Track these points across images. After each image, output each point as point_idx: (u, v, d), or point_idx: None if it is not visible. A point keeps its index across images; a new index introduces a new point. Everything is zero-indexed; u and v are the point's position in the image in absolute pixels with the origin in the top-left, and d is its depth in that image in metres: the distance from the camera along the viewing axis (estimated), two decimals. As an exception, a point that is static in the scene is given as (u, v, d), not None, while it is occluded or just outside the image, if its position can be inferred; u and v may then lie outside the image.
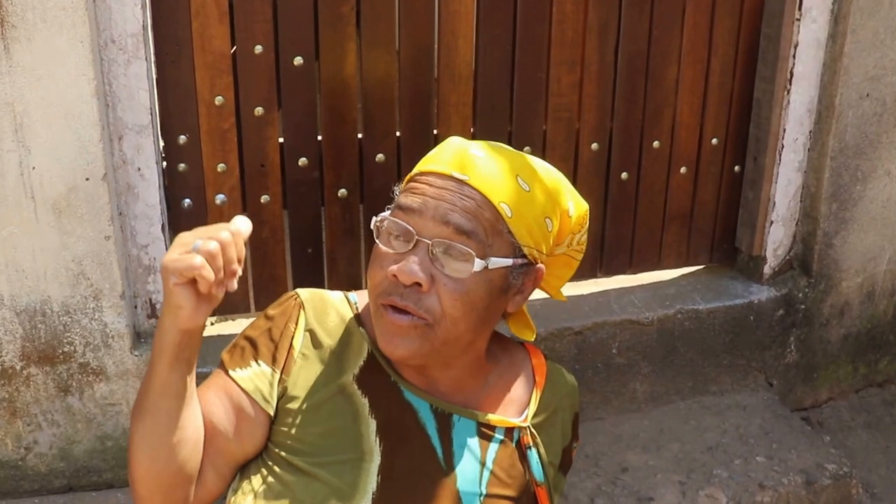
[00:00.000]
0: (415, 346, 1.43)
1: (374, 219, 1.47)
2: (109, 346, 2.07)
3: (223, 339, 2.29)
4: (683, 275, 2.78)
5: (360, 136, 2.25)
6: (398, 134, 2.28)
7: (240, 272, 1.25)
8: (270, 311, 1.57)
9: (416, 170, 1.52)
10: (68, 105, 1.85)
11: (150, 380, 1.34)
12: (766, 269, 2.68)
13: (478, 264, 1.40)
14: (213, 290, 1.22)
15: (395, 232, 1.44)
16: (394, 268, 1.40)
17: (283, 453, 1.48)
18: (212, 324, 2.51)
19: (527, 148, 2.34)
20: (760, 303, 2.64)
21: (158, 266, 2.13)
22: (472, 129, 2.31)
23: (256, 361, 1.50)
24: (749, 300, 2.63)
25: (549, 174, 1.53)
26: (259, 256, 2.26)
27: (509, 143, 2.31)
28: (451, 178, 1.44)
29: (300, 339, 1.53)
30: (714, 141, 2.58)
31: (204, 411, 1.46)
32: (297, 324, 1.54)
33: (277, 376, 1.50)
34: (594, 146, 2.45)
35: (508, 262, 1.44)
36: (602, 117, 2.44)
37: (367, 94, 2.22)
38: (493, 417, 1.57)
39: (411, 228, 1.41)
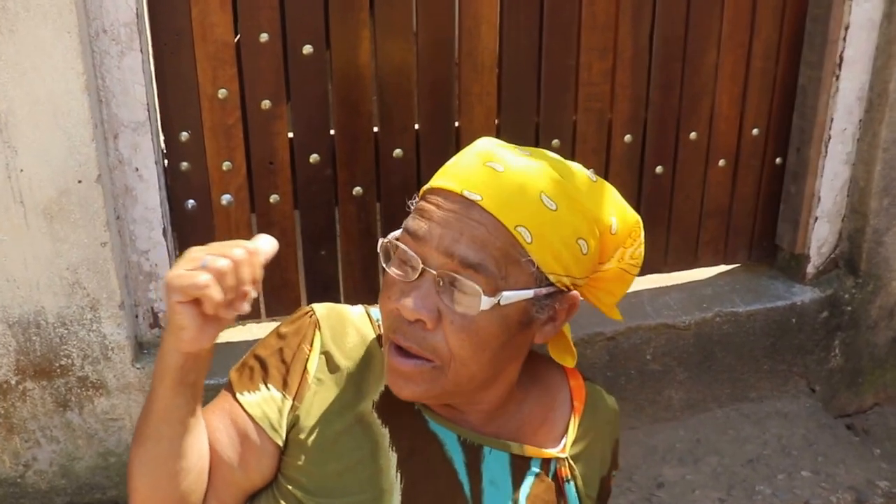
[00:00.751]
0: (421, 390, 1.29)
1: (380, 241, 1.32)
2: (109, 359, 1.94)
3: (229, 348, 2.16)
4: (720, 274, 2.63)
5: (375, 129, 2.12)
6: (417, 127, 2.14)
7: (253, 295, 1.12)
8: (283, 328, 1.42)
9: (430, 182, 1.36)
10: (56, 101, 1.71)
11: (151, 403, 1.22)
12: (810, 269, 2.52)
13: (485, 302, 1.23)
14: (221, 313, 1.08)
15: (397, 260, 1.30)
16: (397, 304, 1.26)
17: (294, 490, 1.33)
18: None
19: (555, 141, 2.20)
20: (803, 304, 2.49)
21: (160, 272, 1.99)
22: (496, 121, 2.17)
23: (266, 385, 1.36)
24: (791, 301, 2.48)
25: (588, 187, 1.34)
26: (270, 260, 2.11)
27: (536, 136, 2.20)
28: (462, 197, 1.27)
29: (315, 363, 1.38)
30: (755, 131, 2.42)
31: (208, 437, 1.33)
32: (311, 345, 1.39)
33: (289, 403, 1.35)
34: (627, 138, 2.30)
35: (528, 293, 1.27)
36: (636, 107, 2.29)
37: (383, 84, 2.08)
38: (528, 448, 1.42)
39: (416, 256, 1.26)
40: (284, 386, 1.35)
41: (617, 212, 1.36)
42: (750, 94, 2.37)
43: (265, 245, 1.15)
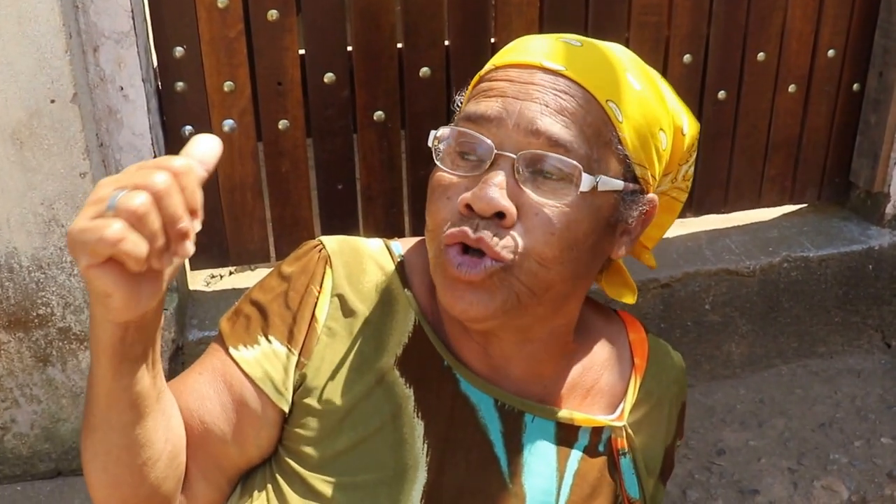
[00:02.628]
0: (494, 302, 1.03)
1: (432, 134, 1.06)
2: (94, 307, 1.69)
3: (235, 295, 1.91)
4: (786, 214, 2.36)
5: (399, 45, 1.84)
6: (447, 43, 1.86)
7: (195, 229, 0.82)
8: (286, 267, 1.16)
9: (488, 65, 1.11)
10: (21, 4, 1.45)
11: (91, 388, 0.95)
12: (889, 209, 2.25)
13: (586, 181, 1.00)
14: (154, 265, 0.79)
15: (463, 148, 1.04)
16: (466, 195, 1.00)
17: (298, 467, 1.09)
18: (222, 277, 2.13)
19: None
20: (881, 249, 2.22)
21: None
22: None
23: (266, 337, 1.10)
24: (868, 246, 2.21)
25: (659, 76, 1.15)
26: (279, 194, 1.87)
27: None
28: (541, 68, 1.04)
29: (325, 308, 1.12)
30: (830, 53, 2.13)
31: (192, 405, 1.08)
32: (321, 286, 1.13)
33: (295, 359, 1.10)
34: (686, 58, 2.02)
35: (620, 184, 1.05)
36: (697, 23, 2.00)
37: (408, -9, 1.80)
38: (577, 416, 1.16)
39: (488, 140, 1.01)
40: (290, 338, 1.10)
41: (685, 111, 1.17)
42: (826, 8, 2.08)
43: (202, 152, 0.84)
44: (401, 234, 1.93)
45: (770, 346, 2.21)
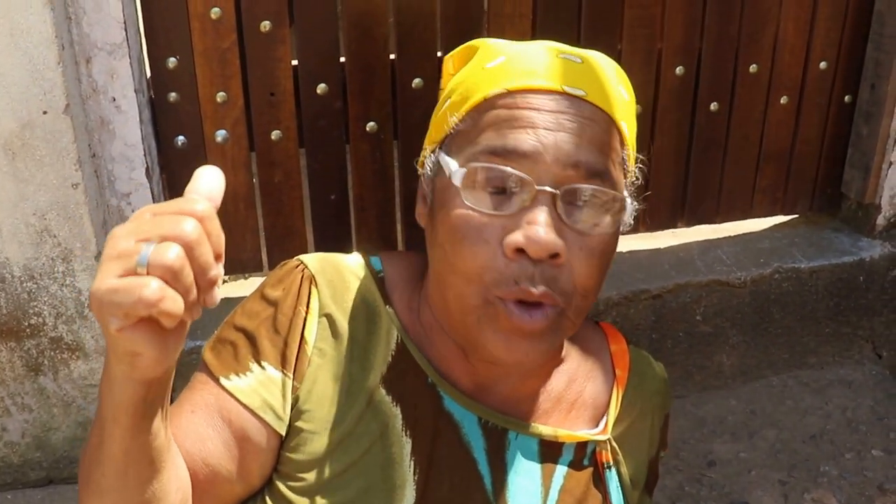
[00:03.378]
0: (546, 347, 1.03)
1: (458, 171, 1.02)
2: (86, 317, 1.70)
3: (228, 305, 1.90)
4: (777, 225, 2.36)
5: (392, 56, 1.83)
6: (440, 54, 1.85)
7: (221, 277, 0.76)
8: (269, 290, 1.14)
9: (498, 89, 1.05)
10: (13, 16, 1.45)
11: (104, 449, 0.87)
12: (880, 220, 2.25)
13: (629, 209, 1.04)
14: (184, 317, 0.73)
15: (493, 184, 1.01)
16: (516, 238, 0.97)
17: (288, 491, 1.08)
18: (222, 282, 2.13)
19: None
20: (872, 260, 2.22)
21: (144, 219, 1.73)
22: None
23: (259, 363, 1.08)
24: (859, 257, 2.21)
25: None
26: (272, 204, 1.87)
27: None
28: (564, 94, 1.02)
29: (314, 329, 1.10)
30: (823, 65, 2.13)
31: (192, 449, 1.04)
32: (308, 307, 1.11)
33: (290, 383, 1.08)
34: (679, 70, 2.02)
35: (630, 200, 1.08)
36: (689, 34, 2.00)
37: (401, 2, 1.79)
38: (561, 432, 1.16)
39: (527, 177, 0.98)
40: (283, 362, 1.08)
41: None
42: (818, 20, 2.08)
43: (209, 188, 0.77)
44: (393, 245, 1.94)
45: (761, 357, 2.21)
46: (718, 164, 2.14)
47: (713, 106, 2.07)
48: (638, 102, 1.23)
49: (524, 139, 0.99)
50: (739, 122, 2.12)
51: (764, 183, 2.20)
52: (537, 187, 0.98)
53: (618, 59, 1.95)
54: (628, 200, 1.03)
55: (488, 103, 1.05)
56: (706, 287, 2.10)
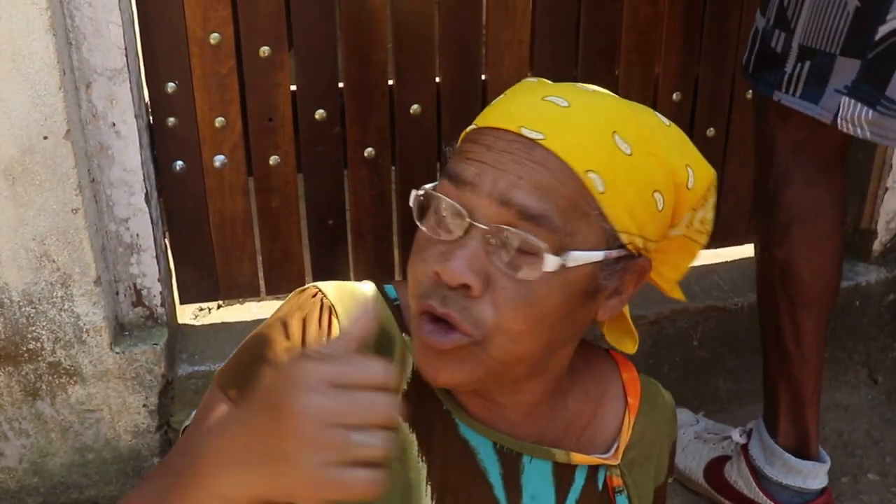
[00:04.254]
0: (462, 372, 1.01)
1: (413, 193, 1.05)
2: (84, 342, 1.70)
3: (225, 329, 1.91)
4: (774, 249, 2.36)
5: (390, 82, 1.84)
6: (438, 80, 1.87)
7: None
8: (290, 320, 1.14)
9: (474, 123, 1.10)
10: (16, 43, 1.46)
11: None
12: (876, 246, 2.26)
13: (549, 262, 0.97)
14: None
15: (441, 211, 1.02)
16: (436, 265, 0.99)
17: None
18: (210, 310, 2.14)
19: None
20: (868, 285, 2.23)
21: (143, 244, 1.74)
22: (528, 73, 1.91)
23: None
24: (854, 282, 2.22)
25: (665, 130, 1.09)
26: (270, 229, 1.88)
27: None
28: (520, 136, 1.01)
29: None
30: None
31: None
32: (330, 336, 1.11)
33: None
34: (676, 96, 2.04)
35: (598, 255, 1.01)
36: (686, 61, 2.02)
37: (400, 29, 1.81)
38: (575, 456, 1.16)
39: (461, 209, 1.00)
40: None
41: (693, 163, 1.10)
42: None
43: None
44: (390, 270, 1.95)
45: (757, 381, 2.20)
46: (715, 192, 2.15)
47: (710, 132, 2.10)
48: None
49: (469, 169, 1.01)
50: (736, 148, 2.13)
51: None
52: (469, 220, 0.99)
53: (615, 85, 1.97)
54: (574, 254, 1.00)
55: (466, 137, 1.08)
56: (703, 312, 2.11)
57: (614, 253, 1.02)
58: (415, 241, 1.05)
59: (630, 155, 1.02)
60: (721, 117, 2.09)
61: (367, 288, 1.18)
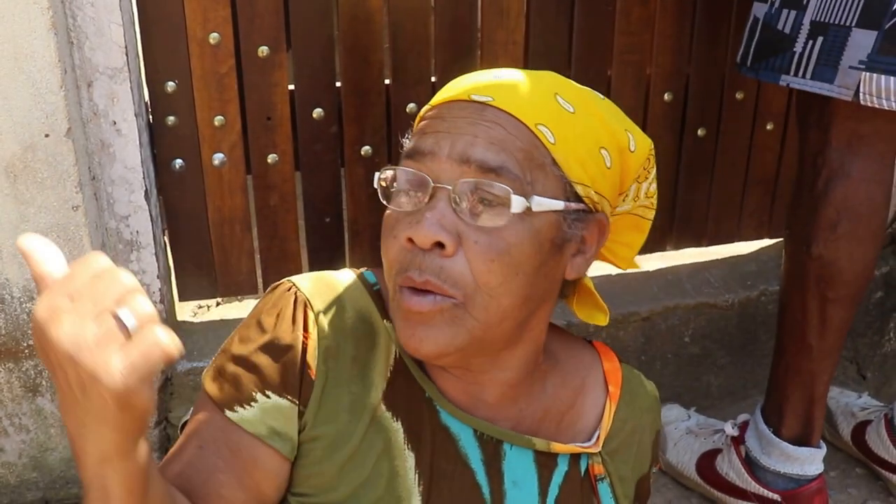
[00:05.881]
0: (445, 337, 1.03)
1: (376, 175, 1.09)
2: (84, 338, 1.71)
3: (225, 327, 1.93)
4: (764, 248, 2.40)
5: (387, 81, 1.87)
6: (434, 80, 1.90)
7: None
8: (264, 317, 1.15)
9: (426, 106, 1.14)
10: (18, 42, 1.48)
11: None
12: (864, 243, 2.27)
13: (516, 203, 1.01)
14: None
15: (406, 186, 1.06)
16: (407, 230, 1.02)
17: None
18: (209, 308, 2.15)
19: None
20: (857, 282, 2.24)
21: (142, 241, 1.76)
22: None
23: (263, 393, 1.09)
24: (844, 279, 2.23)
25: (598, 98, 1.16)
26: (268, 227, 1.90)
27: None
28: (470, 101, 1.07)
29: (315, 353, 1.11)
30: None
31: (206, 485, 1.06)
32: (306, 331, 1.13)
33: (296, 408, 1.10)
34: (667, 96, 2.08)
35: (559, 204, 1.05)
36: (677, 62, 2.05)
37: (396, 29, 1.84)
38: (554, 445, 1.18)
39: (424, 175, 1.03)
40: (286, 389, 1.10)
41: (631, 129, 1.17)
42: None
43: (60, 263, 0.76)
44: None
45: (748, 377, 2.25)
46: (706, 189, 2.19)
47: (700, 131, 2.13)
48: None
49: (424, 140, 1.05)
50: (726, 148, 2.17)
51: (750, 207, 2.25)
52: (434, 184, 1.02)
53: (608, 85, 2.00)
54: (537, 199, 1.03)
55: (419, 119, 1.13)
56: (694, 309, 2.14)
57: (573, 205, 1.07)
58: (383, 226, 1.08)
59: (573, 113, 1.09)
60: (711, 118, 2.12)
61: (347, 275, 1.19)
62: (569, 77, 1.89)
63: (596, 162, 1.10)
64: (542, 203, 1.03)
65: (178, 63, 1.73)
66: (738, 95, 2.12)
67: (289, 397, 1.08)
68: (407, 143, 1.12)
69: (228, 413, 1.08)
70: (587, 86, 1.81)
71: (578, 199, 1.08)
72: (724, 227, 2.25)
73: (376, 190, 1.15)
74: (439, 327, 1.03)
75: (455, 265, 1.02)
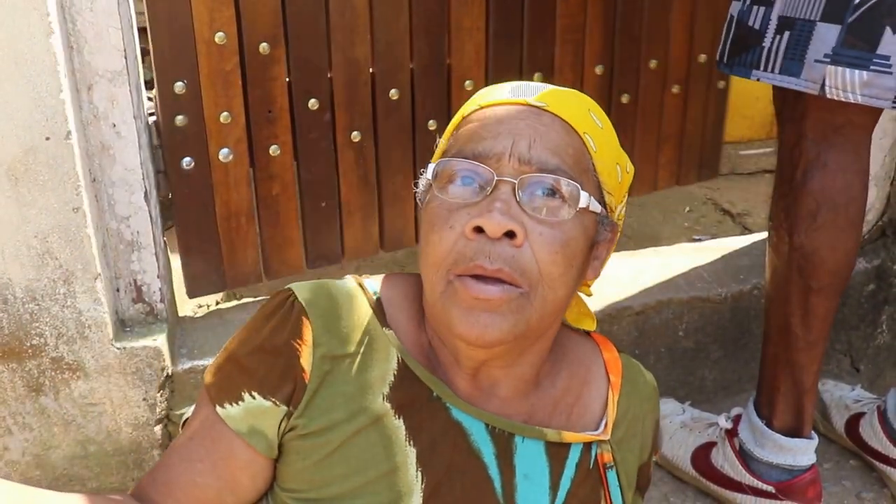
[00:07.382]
0: (508, 325, 1.06)
1: (430, 168, 1.13)
2: (86, 338, 1.74)
3: (224, 325, 1.96)
4: (756, 242, 2.43)
5: (371, 70, 1.99)
6: (411, 66, 2.03)
7: None
8: (263, 323, 1.18)
9: (473, 105, 1.17)
10: (19, 47, 1.49)
11: None
12: (855, 237, 2.30)
13: (583, 198, 1.07)
14: None
15: (459, 180, 1.09)
16: (474, 219, 1.04)
17: (291, 500, 1.13)
18: (209, 307, 2.18)
19: (537, 74, 2.17)
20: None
21: (143, 241, 1.78)
22: (485, 56, 2.11)
23: (250, 393, 1.13)
24: (836, 273, 2.26)
25: (609, 122, 1.24)
26: (270, 216, 1.98)
27: (520, 69, 2.17)
28: (527, 105, 1.12)
29: (309, 360, 1.14)
30: (702, 57, 2.42)
31: (184, 474, 1.14)
32: (302, 339, 1.15)
33: (281, 410, 1.13)
34: (598, 69, 2.28)
35: (599, 207, 1.12)
36: (606, 38, 2.24)
37: (378, 21, 1.95)
38: (566, 434, 1.21)
39: (488, 168, 1.07)
40: (274, 392, 1.12)
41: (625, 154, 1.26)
42: (697, 21, 2.36)
43: None
44: (375, 244, 2.10)
45: (742, 371, 2.28)
46: (630, 148, 2.35)
47: (624, 98, 2.32)
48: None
49: (483, 139, 1.09)
50: (644, 111, 2.37)
51: (664, 160, 2.45)
52: (497, 177, 1.06)
53: (552, 63, 2.18)
54: (586, 195, 1.08)
55: (465, 120, 1.16)
56: (687, 304, 2.16)
57: (604, 210, 1.14)
58: (430, 218, 1.10)
59: (602, 129, 1.15)
60: (632, 85, 2.34)
61: (348, 284, 1.22)
62: (521, 57, 2.12)
63: (614, 175, 1.16)
64: (593, 203, 1.09)
65: (186, 63, 1.77)
66: (652, 64, 2.32)
67: (273, 400, 1.12)
68: (446, 140, 1.17)
69: (218, 408, 1.13)
70: (536, 65, 2.03)
71: (605, 204, 1.14)
72: (645, 179, 2.47)
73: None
74: (504, 315, 1.06)
75: (524, 255, 1.05)
